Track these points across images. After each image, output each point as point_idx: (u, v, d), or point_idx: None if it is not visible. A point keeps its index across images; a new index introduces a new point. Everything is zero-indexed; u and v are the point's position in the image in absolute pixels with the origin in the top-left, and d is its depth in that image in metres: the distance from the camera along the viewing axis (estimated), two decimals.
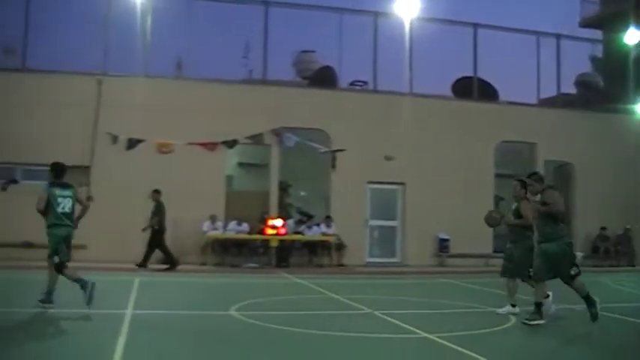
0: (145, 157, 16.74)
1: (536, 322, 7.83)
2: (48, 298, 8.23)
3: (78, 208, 8.68)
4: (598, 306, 7.97)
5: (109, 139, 16.55)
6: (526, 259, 8.44)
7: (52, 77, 16.89)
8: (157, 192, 15.46)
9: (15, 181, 16.47)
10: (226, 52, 18.27)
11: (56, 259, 8.31)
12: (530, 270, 8.32)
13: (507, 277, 8.82)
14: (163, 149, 16.98)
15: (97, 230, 15.24)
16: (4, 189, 16.09)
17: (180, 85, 17.70)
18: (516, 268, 8.63)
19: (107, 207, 15.46)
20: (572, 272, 7.95)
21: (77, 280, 8.26)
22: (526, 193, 8.66)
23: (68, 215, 8.44)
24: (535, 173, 8.83)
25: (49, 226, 8.40)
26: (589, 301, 7.95)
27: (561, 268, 7.95)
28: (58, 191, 8.45)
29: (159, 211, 15.26)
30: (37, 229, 15.09)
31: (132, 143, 16.72)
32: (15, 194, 15.89)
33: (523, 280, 8.67)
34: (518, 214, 8.71)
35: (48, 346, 6.41)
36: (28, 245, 16.08)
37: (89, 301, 8.05)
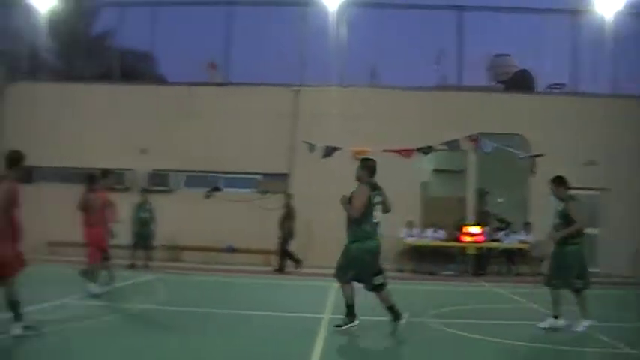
0: (341, 165, 18.76)
1: None
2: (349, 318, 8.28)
3: None
4: None
5: (306, 148, 18.96)
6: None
7: (252, 90, 19.67)
8: (289, 196, 17.69)
9: (218, 189, 19.20)
10: (419, 58, 20.11)
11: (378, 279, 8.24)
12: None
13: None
14: (359, 157, 18.93)
15: (297, 236, 17.76)
16: (208, 197, 18.82)
17: (375, 93, 19.60)
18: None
19: (305, 214, 17.79)
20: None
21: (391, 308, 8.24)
22: (566, 190, 8.83)
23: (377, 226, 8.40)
24: (559, 177, 8.99)
25: (355, 240, 8.26)
26: None
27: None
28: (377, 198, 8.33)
29: (290, 216, 17.34)
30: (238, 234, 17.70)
31: (328, 151, 18.74)
32: (218, 201, 18.75)
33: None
34: (565, 216, 8.76)
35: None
36: (232, 250, 18.81)
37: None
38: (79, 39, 23.10)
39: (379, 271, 8.23)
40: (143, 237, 16.89)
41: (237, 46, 19.91)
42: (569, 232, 8.62)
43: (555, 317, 8.81)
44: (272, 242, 17.57)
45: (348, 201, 8.22)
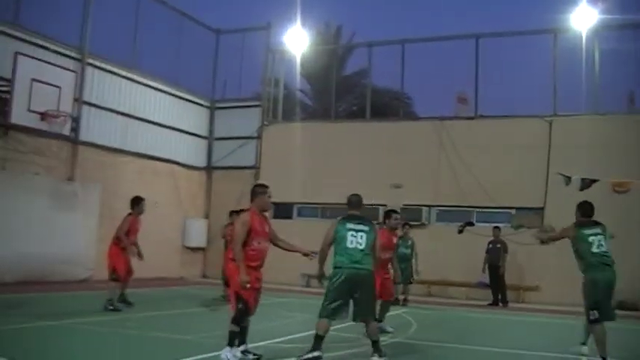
0: (602, 197, 20.85)
1: None
2: None
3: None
4: None
5: (561, 180, 20.45)
6: None
7: (502, 122, 22.81)
8: (498, 229, 20.58)
9: (471, 224, 22.13)
10: None
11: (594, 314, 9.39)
12: None
13: None
14: (618, 188, 20.88)
15: (548, 271, 20.53)
16: (461, 231, 21.68)
17: (634, 120, 21.40)
18: None
19: (559, 249, 20.57)
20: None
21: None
22: None
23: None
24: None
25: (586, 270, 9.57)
26: None
27: None
28: (586, 231, 9.64)
29: (506, 249, 20.32)
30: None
31: (585, 184, 19.93)
32: (471, 236, 21.54)
33: None
34: None
35: None
36: (484, 286, 22.12)
37: None
38: (331, 79, 28.40)
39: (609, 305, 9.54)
40: (403, 272, 19.09)
41: (486, 78, 23.37)
42: None
43: None
44: (528, 278, 20.84)
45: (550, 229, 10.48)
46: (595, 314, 9.35)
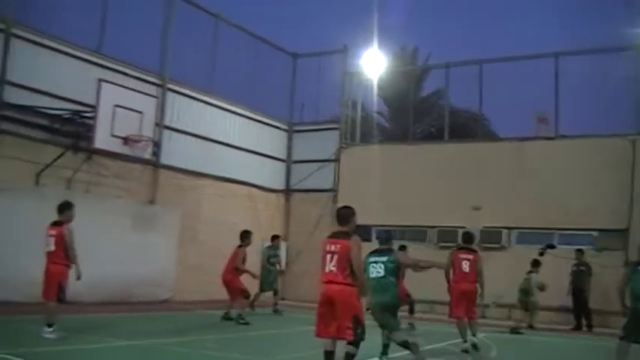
0: None
1: None
2: None
3: None
4: None
5: None
6: None
7: (583, 142, 22.33)
8: (580, 252, 20.05)
9: (552, 246, 21.73)
10: None
11: None
12: None
13: None
14: None
15: None
16: (541, 254, 21.10)
17: None
18: None
19: None
20: None
21: None
22: None
23: None
24: None
25: None
26: None
27: None
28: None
29: (590, 272, 19.91)
30: None
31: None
32: (552, 259, 20.89)
33: None
34: None
35: None
36: (566, 310, 21.59)
37: None
38: (408, 101, 28.26)
39: None
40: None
41: (566, 97, 22.86)
42: None
43: None
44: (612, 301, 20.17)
45: None
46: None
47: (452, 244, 22.63)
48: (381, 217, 24.52)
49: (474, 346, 12.88)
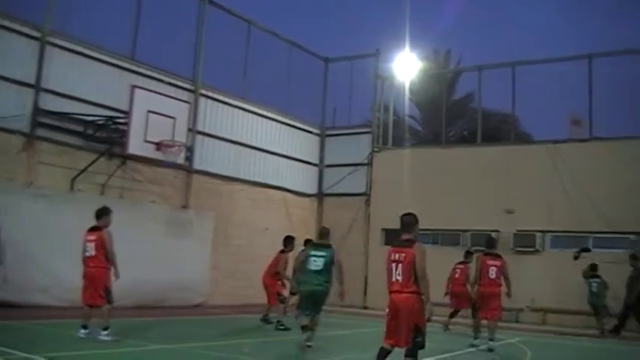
0: None
1: None
2: None
3: None
4: None
5: None
6: None
7: (617, 144, 22.14)
8: (634, 257, 19.40)
9: (587, 250, 21.41)
10: None
11: None
12: None
13: None
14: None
15: None
16: (576, 258, 20.89)
17: None
18: None
19: None
20: None
21: None
22: None
23: None
24: None
25: None
26: None
27: None
28: None
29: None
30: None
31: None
32: (587, 262, 20.48)
33: None
34: None
35: None
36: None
37: None
38: (440, 104, 28.08)
39: None
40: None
41: (600, 98, 22.59)
42: None
43: None
44: None
45: None
46: None
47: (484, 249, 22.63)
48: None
49: (490, 350, 13.53)
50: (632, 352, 16.27)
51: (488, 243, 14.75)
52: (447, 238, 24.63)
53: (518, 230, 22.77)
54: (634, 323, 19.68)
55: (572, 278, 20.75)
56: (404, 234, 8.61)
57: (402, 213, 8.83)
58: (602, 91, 22.88)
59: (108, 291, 11.60)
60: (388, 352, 8.39)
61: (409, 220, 8.65)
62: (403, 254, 8.37)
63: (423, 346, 8.28)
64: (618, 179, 21.66)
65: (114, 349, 10.80)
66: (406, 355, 8.24)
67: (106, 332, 11.36)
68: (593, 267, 19.99)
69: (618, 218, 21.38)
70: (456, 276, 17.57)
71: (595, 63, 23.02)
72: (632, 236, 21.70)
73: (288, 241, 16.62)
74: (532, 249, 22.51)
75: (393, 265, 8.45)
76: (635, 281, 19.55)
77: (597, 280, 19.67)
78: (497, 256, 14.17)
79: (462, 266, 17.66)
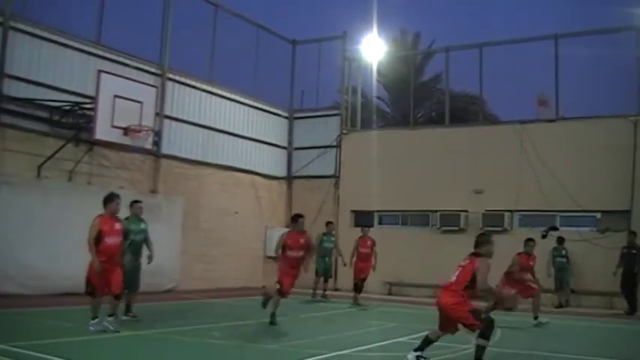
0: None
1: None
2: None
3: None
4: None
5: None
6: None
7: (584, 123, 22.24)
8: (633, 234, 19.62)
9: (555, 228, 21.63)
10: None
11: None
12: None
13: None
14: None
15: None
16: (544, 236, 20.96)
17: None
18: None
19: None
20: None
21: None
22: None
23: None
24: None
25: None
26: None
27: None
28: None
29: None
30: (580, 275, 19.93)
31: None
32: (553, 241, 21.29)
33: None
34: None
35: None
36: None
37: None
38: (409, 86, 28.08)
39: None
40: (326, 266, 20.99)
41: (566, 78, 22.75)
42: None
43: None
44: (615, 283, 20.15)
45: None
46: None
47: (454, 228, 22.80)
48: (383, 202, 24.56)
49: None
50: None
51: None
52: (416, 218, 24.77)
53: (486, 210, 22.95)
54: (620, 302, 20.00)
55: (541, 257, 20.92)
56: (475, 248, 9.55)
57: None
58: (568, 71, 23.04)
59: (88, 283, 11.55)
60: (430, 341, 9.37)
61: (482, 239, 9.68)
62: (467, 261, 9.37)
63: (489, 326, 9.01)
64: (584, 159, 21.84)
65: (83, 336, 10.71)
66: (477, 343, 9.08)
67: (94, 321, 11.45)
68: (561, 240, 20.62)
69: (585, 197, 21.60)
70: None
71: (561, 43, 23.15)
72: (598, 214, 22.04)
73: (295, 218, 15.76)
74: (501, 228, 22.63)
75: (456, 269, 9.41)
76: (630, 259, 19.64)
77: (564, 252, 20.44)
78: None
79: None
